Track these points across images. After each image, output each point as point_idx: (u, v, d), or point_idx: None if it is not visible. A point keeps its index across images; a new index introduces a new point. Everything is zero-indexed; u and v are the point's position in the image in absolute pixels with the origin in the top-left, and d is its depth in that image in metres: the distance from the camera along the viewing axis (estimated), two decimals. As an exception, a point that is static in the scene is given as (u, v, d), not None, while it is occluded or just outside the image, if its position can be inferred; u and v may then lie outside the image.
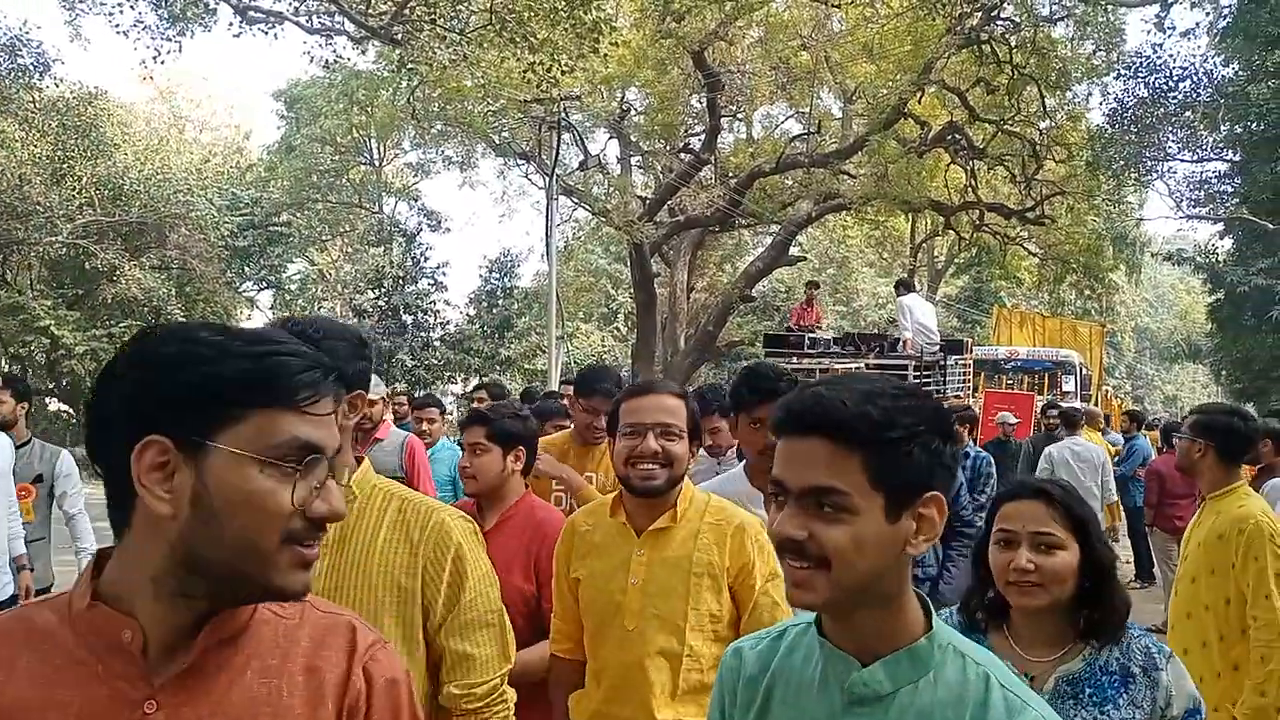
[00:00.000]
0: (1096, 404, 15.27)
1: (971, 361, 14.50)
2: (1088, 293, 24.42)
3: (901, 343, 12.49)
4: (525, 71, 12.60)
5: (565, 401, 4.95)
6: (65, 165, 19.01)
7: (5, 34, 16.88)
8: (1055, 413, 9.66)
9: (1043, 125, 18.00)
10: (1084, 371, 16.77)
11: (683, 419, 2.37)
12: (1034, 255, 22.35)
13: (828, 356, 12.55)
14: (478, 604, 1.94)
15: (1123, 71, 17.51)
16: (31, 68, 17.01)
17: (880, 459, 1.12)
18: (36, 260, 20.88)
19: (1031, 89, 17.00)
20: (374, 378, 5.44)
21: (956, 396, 12.49)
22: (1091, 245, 20.36)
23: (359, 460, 1.95)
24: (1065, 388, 15.66)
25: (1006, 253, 22.44)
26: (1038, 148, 17.79)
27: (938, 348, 12.86)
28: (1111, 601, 1.91)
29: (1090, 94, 19.61)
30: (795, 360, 11.76)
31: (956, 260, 30.77)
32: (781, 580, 2.01)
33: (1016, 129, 17.61)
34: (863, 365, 11.51)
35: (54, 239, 19.70)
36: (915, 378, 11.33)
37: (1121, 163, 17.12)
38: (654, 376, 18.32)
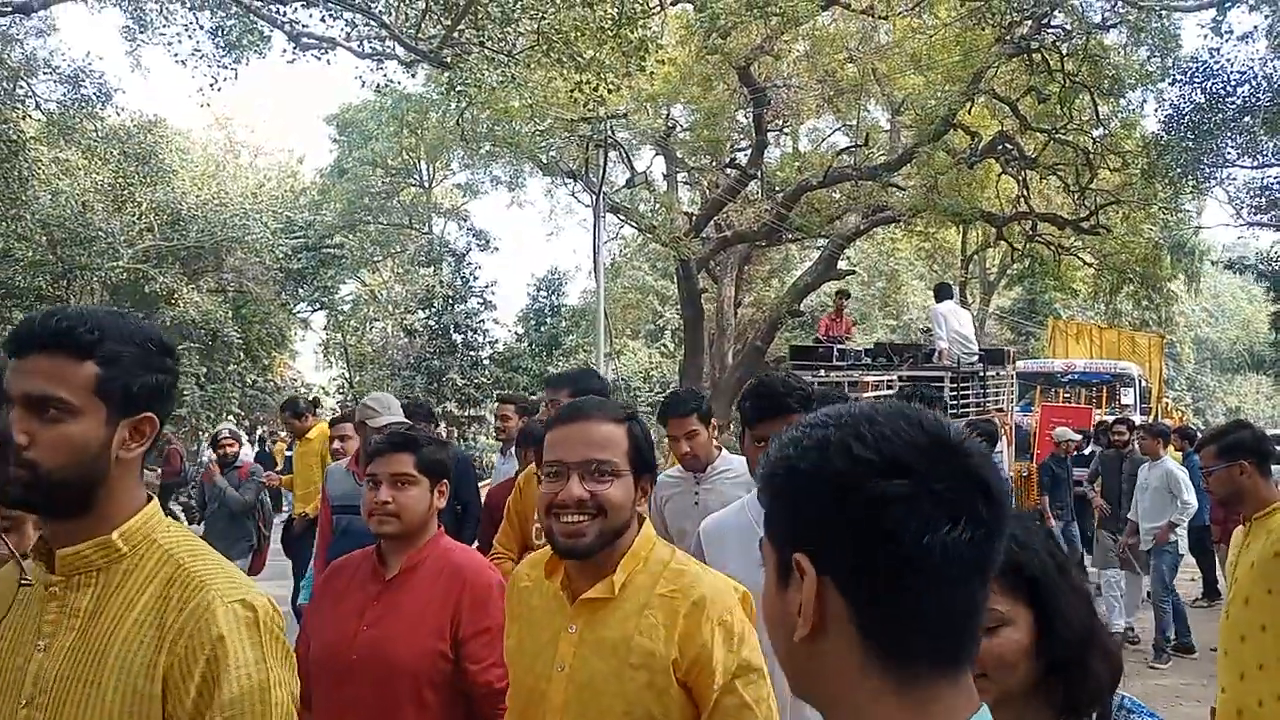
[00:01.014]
0: (1157, 418, 14.89)
1: (1014, 373, 13.97)
2: (1145, 303, 23.94)
3: (937, 353, 11.69)
4: (572, 91, 12.71)
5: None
6: (126, 192, 19.50)
7: (69, 65, 17.41)
8: (1125, 428, 9.39)
9: (1096, 133, 17.68)
10: (1143, 384, 16.37)
11: (621, 451, 1.80)
12: (1089, 265, 21.92)
13: (858, 368, 11.74)
14: None
15: (1178, 77, 17.12)
16: (94, 98, 17.49)
17: None
18: (98, 284, 21.39)
19: (1084, 97, 16.72)
20: (390, 399, 4.91)
21: (999, 410, 12.08)
22: (1149, 254, 19.93)
23: (148, 498, 1.44)
24: (1124, 401, 15.26)
25: (1060, 263, 22.04)
26: (1091, 156, 17.48)
27: (976, 358, 12.10)
28: (1089, 666, 1.45)
29: (1145, 101, 19.21)
30: (823, 373, 11.00)
31: (1009, 272, 30.36)
32: (757, 675, 1.75)
33: (1069, 138, 17.32)
34: (895, 377, 11.05)
35: (115, 264, 20.22)
36: (953, 389, 10.85)
37: (1178, 170, 16.72)
38: (703, 388, 18.25)
